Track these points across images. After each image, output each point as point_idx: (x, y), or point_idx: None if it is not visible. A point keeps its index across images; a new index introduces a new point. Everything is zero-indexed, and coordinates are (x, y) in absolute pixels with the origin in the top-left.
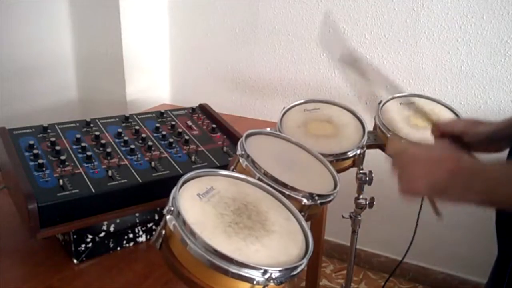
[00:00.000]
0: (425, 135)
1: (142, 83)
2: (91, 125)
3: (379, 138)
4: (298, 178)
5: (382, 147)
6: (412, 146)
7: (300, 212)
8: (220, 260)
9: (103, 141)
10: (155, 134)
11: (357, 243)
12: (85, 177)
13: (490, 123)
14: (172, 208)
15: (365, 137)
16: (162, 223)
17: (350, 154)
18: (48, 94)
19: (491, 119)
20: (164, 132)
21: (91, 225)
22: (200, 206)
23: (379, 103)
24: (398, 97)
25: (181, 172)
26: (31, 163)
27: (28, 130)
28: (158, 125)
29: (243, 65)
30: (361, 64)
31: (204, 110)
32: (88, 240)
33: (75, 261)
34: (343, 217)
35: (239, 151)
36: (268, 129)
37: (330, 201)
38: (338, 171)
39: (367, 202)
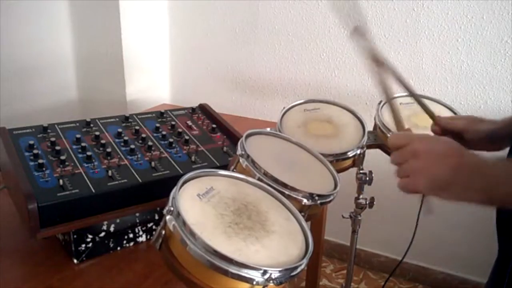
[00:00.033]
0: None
1: (142, 83)
2: (91, 125)
3: (379, 138)
4: (298, 178)
5: (382, 147)
6: (414, 140)
7: (300, 212)
8: (220, 261)
9: (103, 141)
10: (155, 134)
11: (357, 243)
12: (85, 177)
13: (491, 122)
14: (172, 209)
15: (365, 137)
16: (162, 224)
17: (350, 154)
18: (48, 94)
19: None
20: (164, 132)
21: (91, 225)
22: (200, 207)
23: (379, 103)
24: (398, 97)
25: (181, 172)
26: (31, 163)
27: (28, 130)
28: (158, 125)
29: (243, 65)
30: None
31: (204, 110)
32: (88, 240)
33: (75, 261)
34: (343, 217)
35: (239, 151)
36: (268, 129)
37: (330, 201)
38: (338, 171)
39: (367, 202)
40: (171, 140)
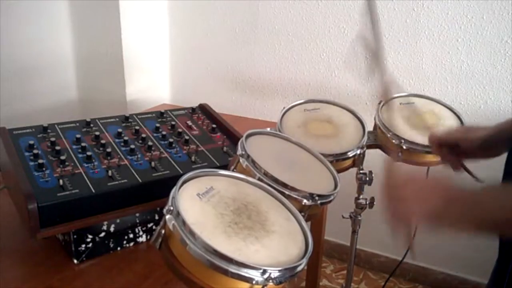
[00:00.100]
0: (425, 135)
1: (142, 83)
2: (91, 125)
3: (379, 138)
4: (298, 178)
5: (382, 147)
6: (405, 179)
7: (300, 212)
8: (220, 260)
9: (103, 141)
10: (155, 134)
11: (357, 243)
12: (85, 177)
13: (484, 128)
14: (171, 208)
15: (365, 137)
16: (161, 223)
17: (350, 154)
18: (48, 94)
19: (491, 120)
20: (164, 132)
21: (91, 225)
22: (200, 206)
23: (379, 103)
24: (398, 97)
25: (181, 172)
26: (31, 163)
27: (28, 130)
28: (158, 125)
29: (243, 65)
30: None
31: (204, 110)
32: (88, 240)
33: (75, 261)
34: (343, 217)
35: (239, 151)
36: (268, 129)
37: (330, 201)
38: (338, 171)
39: (367, 202)
40: (171, 140)
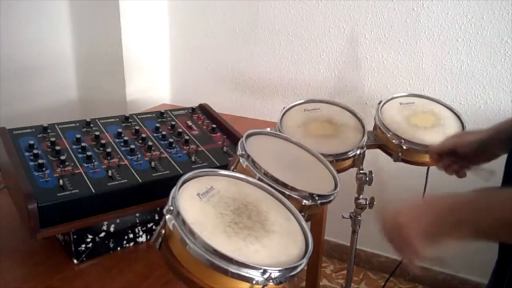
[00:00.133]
0: (425, 135)
1: (142, 83)
2: (91, 125)
3: (379, 138)
4: (298, 178)
5: (382, 147)
6: (397, 213)
7: (300, 212)
8: (220, 260)
9: (103, 141)
10: (155, 134)
11: (357, 243)
12: (85, 177)
13: (480, 131)
14: (171, 208)
15: (365, 137)
16: (161, 223)
17: (350, 154)
18: (48, 94)
19: (491, 120)
20: (164, 132)
21: (91, 225)
22: (200, 206)
23: (379, 103)
24: (398, 97)
25: (181, 172)
26: (31, 163)
27: (28, 130)
28: (158, 125)
29: (243, 65)
30: None
31: (204, 110)
32: (88, 240)
33: (75, 261)
34: (343, 217)
35: (239, 151)
36: (268, 129)
37: (330, 201)
38: (338, 171)
39: (367, 202)
40: (171, 140)
